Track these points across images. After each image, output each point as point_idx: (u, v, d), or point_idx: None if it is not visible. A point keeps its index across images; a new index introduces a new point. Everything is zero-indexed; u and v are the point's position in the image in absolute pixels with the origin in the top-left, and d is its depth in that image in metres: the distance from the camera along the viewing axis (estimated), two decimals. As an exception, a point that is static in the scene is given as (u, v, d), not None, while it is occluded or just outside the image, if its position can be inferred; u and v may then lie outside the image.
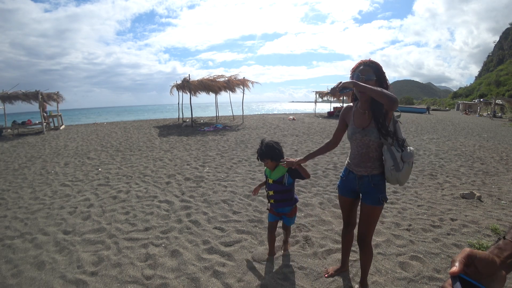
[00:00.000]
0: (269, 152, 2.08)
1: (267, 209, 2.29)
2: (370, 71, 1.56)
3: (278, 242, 2.53)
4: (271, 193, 2.16)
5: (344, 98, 20.00)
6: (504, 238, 0.64)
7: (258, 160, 2.17)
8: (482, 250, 0.62)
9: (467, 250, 0.59)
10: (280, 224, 2.35)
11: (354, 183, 1.77)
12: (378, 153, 1.65)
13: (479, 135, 10.48)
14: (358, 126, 1.67)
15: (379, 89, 1.43)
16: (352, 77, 1.63)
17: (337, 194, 1.99)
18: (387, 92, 1.44)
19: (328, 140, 1.98)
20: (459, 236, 2.64)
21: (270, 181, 2.15)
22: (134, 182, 4.47)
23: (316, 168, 5.21)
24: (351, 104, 1.79)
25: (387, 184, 1.72)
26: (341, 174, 1.91)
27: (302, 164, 2.04)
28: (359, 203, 1.83)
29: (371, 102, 1.62)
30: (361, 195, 1.79)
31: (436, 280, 2.01)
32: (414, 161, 1.66)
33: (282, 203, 2.17)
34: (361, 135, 1.65)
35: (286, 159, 2.02)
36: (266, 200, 2.36)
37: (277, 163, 2.13)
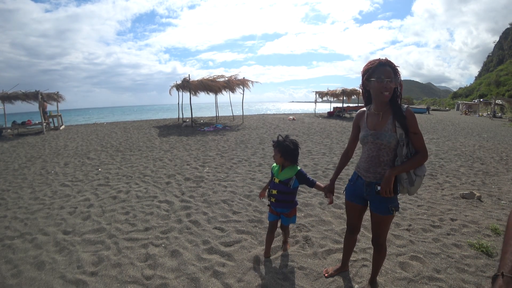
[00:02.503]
0: (290, 152, 2.05)
1: (268, 205, 2.30)
2: (391, 73, 1.50)
3: (278, 242, 2.53)
4: (274, 192, 2.14)
5: (345, 98, 20.00)
6: (502, 274, 0.57)
7: (274, 147, 2.11)
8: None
9: None
10: (279, 224, 2.35)
11: (362, 189, 1.72)
12: (389, 158, 1.60)
13: (479, 135, 10.49)
14: (371, 128, 1.64)
15: (412, 162, 1.53)
16: (365, 75, 1.58)
17: (339, 195, 1.97)
18: (421, 157, 1.54)
19: (343, 152, 1.94)
20: (459, 236, 2.64)
21: (276, 180, 2.13)
22: (134, 182, 4.47)
23: (316, 168, 5.21)
24: (364, 109, 1.75)
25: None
26: (349, 178, 1.86)
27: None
28: (368, 210, 1.79)
29: (389, 107, 1.59)
30: (369, 202, 1.74)
31: (436, 280, 2.01)
32: None
33: (282, 204, 2.16)
34: (372, 137, 1.61)
35: (329, 197, 1.96)
36: (265, 200, 2.37)
37: (287, 163, 2.11)
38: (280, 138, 2.11)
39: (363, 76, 1.62)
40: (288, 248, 2.44)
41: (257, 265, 2.22)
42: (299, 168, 2.12)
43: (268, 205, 2.29)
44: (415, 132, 1.54)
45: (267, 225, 2.84)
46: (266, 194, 2.35)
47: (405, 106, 1.58)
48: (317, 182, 2.09)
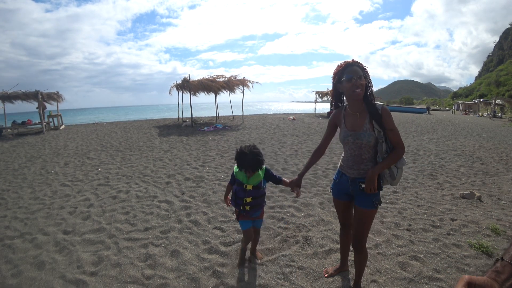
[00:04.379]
0: (256, 164, 1.91)
1: (236, 218, 2.11)
2: (359, 72, 1.56)
3: (277, 243, 2.53)
4: (248, 200, 1.99)
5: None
6: (502, 259, 0.63)
7: (240, 169, 1.96)
8: (479, 275, 0.61)
9: (466, 277, 0.59)
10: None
11: (347, 185, 1.76)
12: (371, 155, 1.66)
13: (479, 135, 10.49)
14: (350, 129, 1.68)
15: (391, 159, 1.60)
16: (336, 78, 1.65)
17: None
18: (398, 154, 1.60)
19: (316, 148, 1.95)
20: (459, 236, 2.64)
21: (249, 187, 1.97)
22: (134, 182, 4.47)
23: (316, 168, 5.20)
24: (338, 109, 1.79)
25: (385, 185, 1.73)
26: (334, 177, 1.90)
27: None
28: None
29: (365, 106, 1.64)
30: (354, 197, 1.77)
31: (436, 280, 2.01)
32: (414, 161, 1.67)
33: (257, 208, 2.06)
34: (353, 138, 1.65)
35: (294, 190, 1.93)
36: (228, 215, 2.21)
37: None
38: (248, 158, 1.88)
39: (333, 79, 1.69)
40: (261, 257, 2.30)
41: (257, 265, 2.22)
42: (264, 166, 2.02)
43: (237, 218, 2.11)
44: (391, 129, 1.60)
45: (267, 225, 2.84)
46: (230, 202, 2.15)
47: (381, 104, 1.64)
48: (283, 178, 2.04)
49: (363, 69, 1.59)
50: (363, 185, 1.65)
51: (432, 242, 2.53)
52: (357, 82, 1.54)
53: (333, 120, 1.82)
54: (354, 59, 1.62)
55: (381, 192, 1.81)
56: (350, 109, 1.70)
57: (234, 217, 3.08)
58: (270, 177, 2.05)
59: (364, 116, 1.64)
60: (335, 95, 1.76)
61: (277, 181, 2.05)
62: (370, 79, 1.63)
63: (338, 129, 1.82)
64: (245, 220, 2.07)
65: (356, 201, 1.75)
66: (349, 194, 1.79)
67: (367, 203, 1.67)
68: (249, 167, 1.91)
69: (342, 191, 1.82)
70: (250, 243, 2.27)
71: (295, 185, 1.95)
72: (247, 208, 2.00)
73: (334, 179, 1.88)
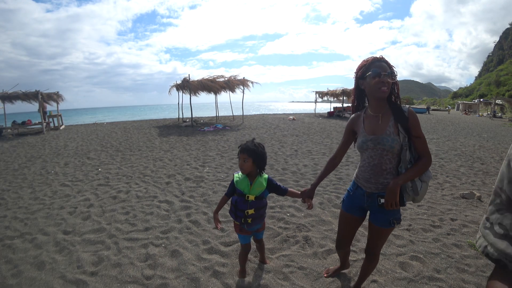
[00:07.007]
0: (262, 157, 1.77)
1: (240, 230, 1.90)
2: (387, 69, 1.39)
3: (275, 243, 2.53)
4: (251, 212, 1.78)
5: (345, 98, 20.01)
6: None
7: (243, 152, 1.74)
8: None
9: None
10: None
11: (362, 200, 1.57)
12: (393, 165, 1.44)
13: (479, 135, 10.49)
14: (370, 133, 1.48)
15: (417, 169, 1.39)
16: (359, 74, 1.48)
17: (340, 195, 1.89)
18: (425, 164, 1.41)
19: (331, 157, 1.77)
20: (459, 236, 2.64)
21: (251, 197, 1.77)
22: (134, 182, 4.47)
23: (316, 168, 5.21)
24: (358, 112, 1.61)
25: None
26: (348, 188, 1.71)
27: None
28: (365, 220, 1.68)
29: (389, 108, 1.46)
30: (369, 212, 1.60)
31: (436, 280, 2.00)
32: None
33: (258, 220, 1.86)
34: (373, 143, 1.44)
35: (308, 202, 1.79)
36: (223, 227, 2.07)
37: (256, 172, 1.80)
38: (248, 143, 1.77)
39: (356, 74, 1.50)
40: (269, 262, 2.25)
41: (257, 265, 2.22)
42: (266, 175, 1.85)
43: (237, 230, 1.93)
44: (418, 136, 1.41)
45: (267, 225, 2.84)
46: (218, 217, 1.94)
47: (407, 106, 1.46)
48: (289, 189, 1.90)
49: (390, 67, 1.42)
50: (382, 200, 1.44)
51: (432, 242, 2.53)
52: (384, 79, 1.36)
53: (351, 125, 1.61)
54: (382, 56, 1.44)
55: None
56: (371, 110, 1.50)
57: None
58: (274, 187, 1.84)
59: (387, 118, 1.44)
60: (357, 94, 1.56)
61: (283, 192, 1.87)
62: (397, 80, 1.45)
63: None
64: (244, 234, 1.92)
65: (371, 217, 1.57)
66: (363, 209, 1.61)
67: (383, 222, 1.49)
68: (252, 155, 1.72)
69: (355, 205, 1.62)
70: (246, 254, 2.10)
71: (307, 196, 1.77)
72: (249, 220, 1.80)
73: (348, 191, 1.68)
